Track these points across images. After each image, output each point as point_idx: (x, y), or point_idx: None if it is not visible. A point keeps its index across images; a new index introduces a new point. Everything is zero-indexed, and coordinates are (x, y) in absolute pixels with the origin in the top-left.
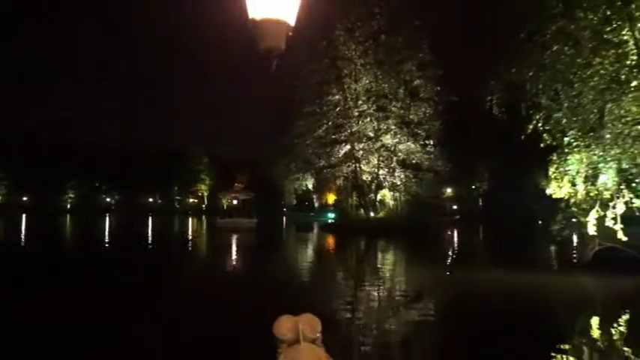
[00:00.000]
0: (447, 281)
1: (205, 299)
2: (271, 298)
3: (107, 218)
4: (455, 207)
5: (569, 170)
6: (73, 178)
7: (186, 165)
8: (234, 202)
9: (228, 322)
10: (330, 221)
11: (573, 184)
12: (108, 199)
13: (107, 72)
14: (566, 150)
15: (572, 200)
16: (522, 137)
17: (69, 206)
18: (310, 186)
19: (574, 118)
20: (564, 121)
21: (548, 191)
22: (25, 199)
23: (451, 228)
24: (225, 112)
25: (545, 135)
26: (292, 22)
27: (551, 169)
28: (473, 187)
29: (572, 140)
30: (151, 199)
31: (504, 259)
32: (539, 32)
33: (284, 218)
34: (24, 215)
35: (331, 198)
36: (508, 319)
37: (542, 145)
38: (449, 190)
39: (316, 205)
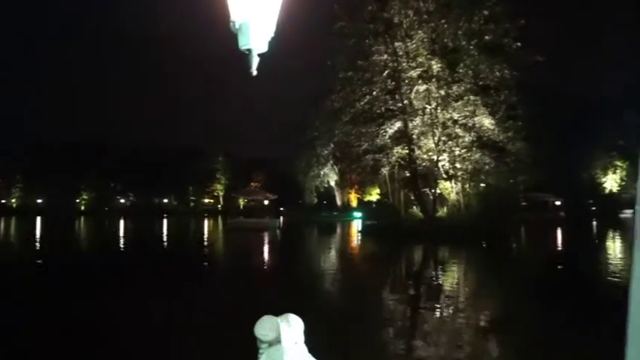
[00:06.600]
0: None
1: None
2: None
3: (122, 220)
4: (558, 202)
5: None
6: (87, 179)
7: (201, 164)
8: (249, 202)
9: None
10: (369, 222)
11: None
12: (122, 200)
13: (127, 69)
14: None
15: None
16: None
17: (83, 208)
18: (332, 182)
19: None
20: None
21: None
22: (39, 201)
23: (555, 228)
24: (243, 109)
25: None
26: (274, 23)
27: None
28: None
29: None
30: (166, 200)
31: None
32: None
33: (280, 219)
34: (38, 217)
35: (354, 195)
36: None
37: None
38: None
39: (339, 203)
